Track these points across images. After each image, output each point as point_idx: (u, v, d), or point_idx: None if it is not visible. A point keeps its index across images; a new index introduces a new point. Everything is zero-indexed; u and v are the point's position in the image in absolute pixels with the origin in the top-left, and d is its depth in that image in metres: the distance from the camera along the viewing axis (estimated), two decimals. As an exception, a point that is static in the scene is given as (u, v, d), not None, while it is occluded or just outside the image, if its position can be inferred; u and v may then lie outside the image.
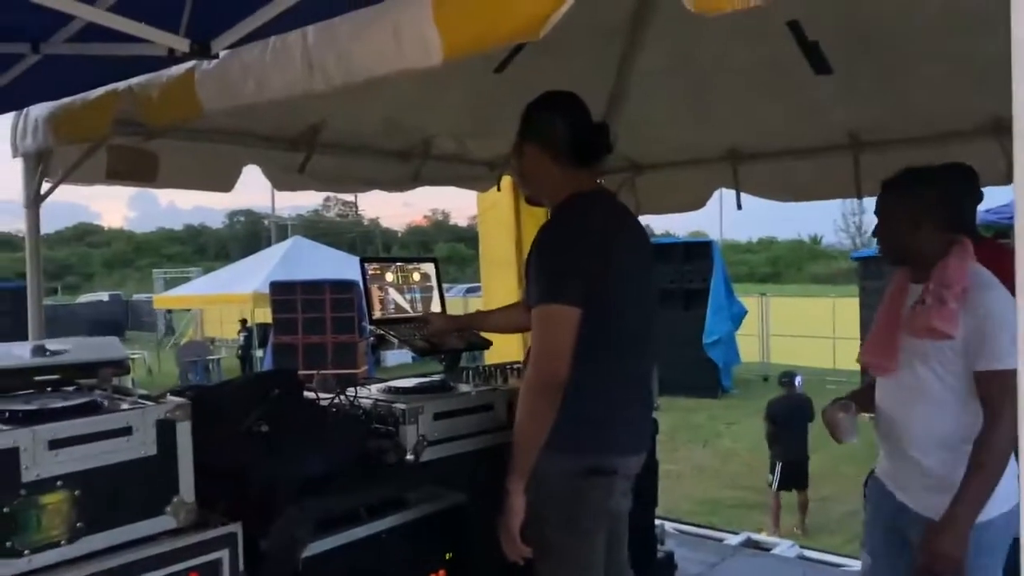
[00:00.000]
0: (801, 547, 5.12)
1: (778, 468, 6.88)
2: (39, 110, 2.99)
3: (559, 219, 2.28)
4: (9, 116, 3.16)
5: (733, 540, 5.18)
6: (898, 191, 2.41)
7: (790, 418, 6.93)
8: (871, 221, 2.52)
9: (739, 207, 4.34)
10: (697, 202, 4.60)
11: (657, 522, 3.90)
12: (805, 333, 15.89)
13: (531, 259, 2.24)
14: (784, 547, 5.11)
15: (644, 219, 4.55)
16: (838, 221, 49.57)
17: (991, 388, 2.17)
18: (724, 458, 9.43)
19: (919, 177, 2.38)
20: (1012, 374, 2.19)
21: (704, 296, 13.47)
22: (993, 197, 3.72)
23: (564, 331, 2.10)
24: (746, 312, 14.39)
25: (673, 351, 11.61)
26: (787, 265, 52.77)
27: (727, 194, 4.41)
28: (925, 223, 2.32)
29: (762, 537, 5.50)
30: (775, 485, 6.90)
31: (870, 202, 2.80)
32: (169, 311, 23.38)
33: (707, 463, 9.25)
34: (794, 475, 6.86)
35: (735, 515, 7.11)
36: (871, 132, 3.76)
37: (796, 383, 7.23)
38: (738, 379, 14.44)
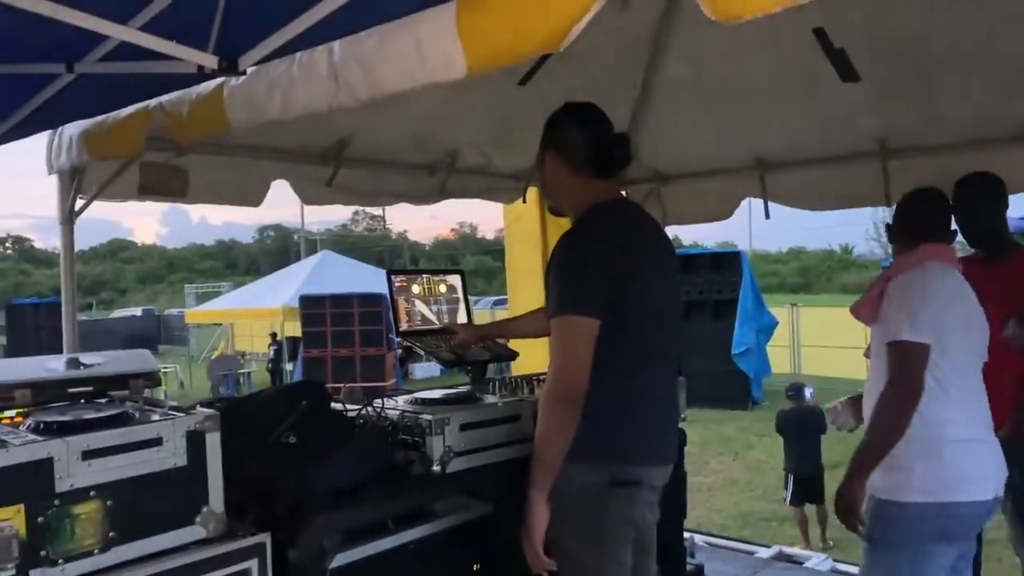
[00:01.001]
0: (835, 560, 5.04)
1: (791, 482, 6.63)
2: (73, 128, 3.05)
3: (578, 229, 2.27)
4: (45, 135, 3.22)
5: (765, 553, 5.12)
6: (899, 210, 2.71)
7: (799, 431, 6.67)
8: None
9: (767, 216, 4.32)
10: (724, 212, 4.58)
11: (687, 535, 3.86)
12: (837, 343, 15.64)
13: (550, 270, 2.23)
14: (817, 560, 5.03)
15: (672, 229, 4.54)
16: (869, 230, 48.61)
17: (889, 357, 2.39)
18: (755, 470, 9.29)
19: (921, 197, 2.65)
20: (901, 345, 2.34)
21: (733, 307, 13.30)
22: (1020, 204, 3.67)
23: (582, 342, 2.09)
24: (777, 323, 14.19)
25: (702, 362, 11.52)
26: (818, 275, 52.03)
27: (755, 203, 4.40)
28: (917, 237, 2.55)
29: (794, 550, 5.43)
30: (788, 499, 6.71)
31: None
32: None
33: (738, 475, 9.13)
34: (807, 490, 6.55)
35: (767, 528, 7.00)
36: (899, 140, 3.73)
37: (805, 395, 6.98)
38: (769, 390, 14.22)
